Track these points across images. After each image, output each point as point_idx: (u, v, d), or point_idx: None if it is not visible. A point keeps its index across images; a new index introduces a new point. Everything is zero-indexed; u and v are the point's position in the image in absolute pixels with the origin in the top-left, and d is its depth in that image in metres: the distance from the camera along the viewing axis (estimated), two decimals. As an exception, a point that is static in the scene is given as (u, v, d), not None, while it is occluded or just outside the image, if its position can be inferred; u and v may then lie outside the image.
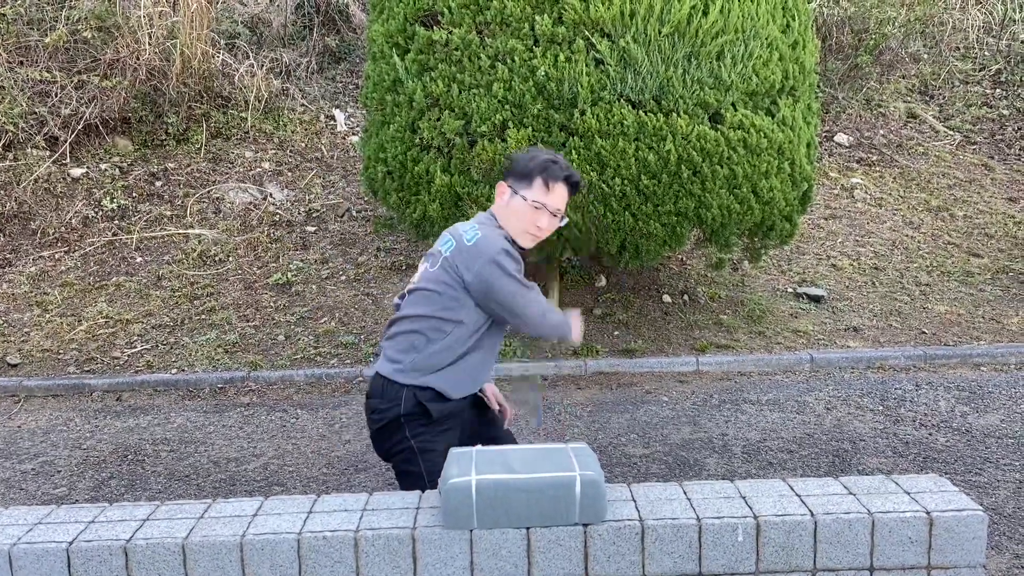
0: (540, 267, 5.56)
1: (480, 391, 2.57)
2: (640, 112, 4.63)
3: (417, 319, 2.38)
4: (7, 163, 6.84)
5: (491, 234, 2.36)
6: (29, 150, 6.97)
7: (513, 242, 2.40)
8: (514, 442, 2.66)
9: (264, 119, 7.89)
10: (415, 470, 2.39)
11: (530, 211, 2.37)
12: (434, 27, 4.81)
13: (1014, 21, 9.34)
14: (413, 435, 2.38)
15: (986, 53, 9.27)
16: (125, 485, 3.95)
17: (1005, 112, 8.77)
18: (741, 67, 4.71)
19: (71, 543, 1.81)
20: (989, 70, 9.17)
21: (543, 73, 4.58)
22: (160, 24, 7.40)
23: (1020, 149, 8.36)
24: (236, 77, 7.85)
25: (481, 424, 2.60)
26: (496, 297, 2.32)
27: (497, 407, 2.65)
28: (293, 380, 5.24)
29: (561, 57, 4.56)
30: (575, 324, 2.52)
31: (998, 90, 9.03)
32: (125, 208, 6.99)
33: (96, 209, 6.95)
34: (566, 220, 2.48)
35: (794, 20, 5.00)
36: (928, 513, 1.82)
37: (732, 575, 1.81)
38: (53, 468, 4.17)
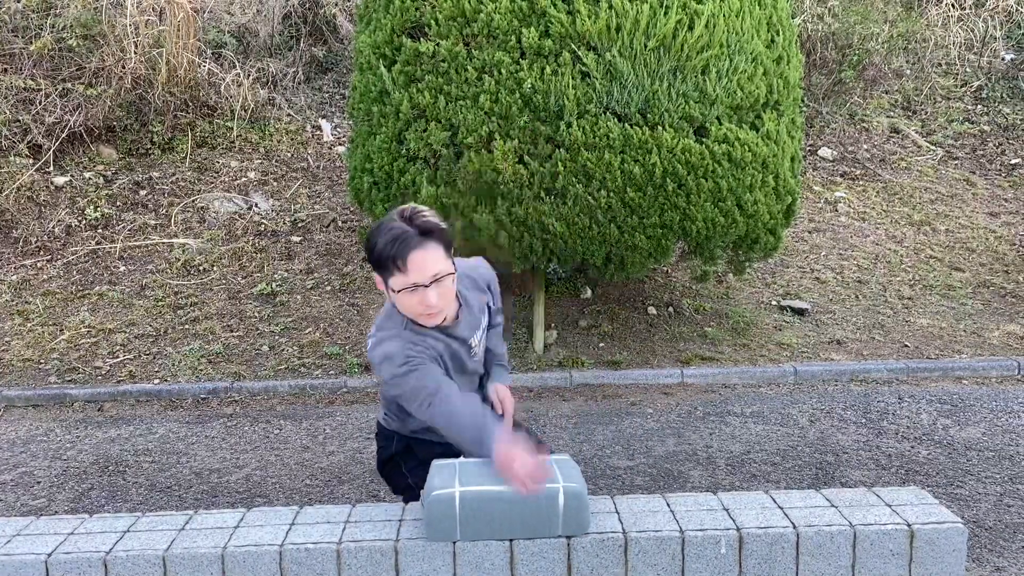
0: (525, 279, 5.57)
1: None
2: (626, 125, 4.66)
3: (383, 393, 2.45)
4: (-10, 171, 6.79)
5: (385, 348, 2.13)
6: (12, 158, 6.92)
7: (421, 327, 2.15)
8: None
9: (250, 129, 7.88)
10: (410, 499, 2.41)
11: (409, 297, 2.05)
12: (421, 39, 4.82)
13: (995, 39, 9.46)
14: (409, 471, 2.41)
15: (967, 70, 9.39)
16: (106, 496, 3.91)
17: (986, 128, 8.87)
18: (726, 81, 4.75)
19: (50, 555, 1.79)
20: (971, 86, 9.28)
21: (529, 85, 4.60)
22: (146, 33, 7.38)
23: (1001, 165, 8.45)
24: (222, 86, 7.83)
25: None
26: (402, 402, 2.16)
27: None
28: (277, 391, 5.21)
29: (547, 70, 4.58)
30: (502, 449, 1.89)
31: (979, 106, 9.14)
32: (109, 217, 6.95)
33: (79, 218, 6.91)
34: (452, 275, 2.10)
35: (779, 35, 5.05)
36: (909, 526, 1.83)
37: (715, 588, 1.82)
38: (33, 479, 4.13)
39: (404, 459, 2.42)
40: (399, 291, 2.05)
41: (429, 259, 2.02)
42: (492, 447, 1.90)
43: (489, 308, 2.40)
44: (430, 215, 2.07)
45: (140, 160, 7.49)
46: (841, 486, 3.78)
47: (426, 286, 2.03)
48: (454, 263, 2.13)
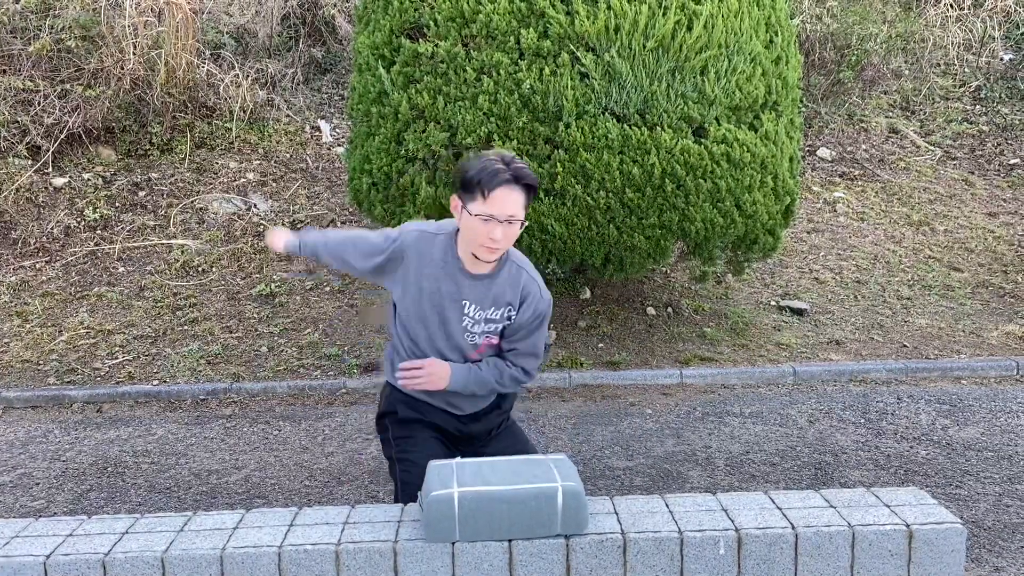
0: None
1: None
2: (624, 126, 4.66)
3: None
4: (-12, 172, 6.79)
5: (416, 228, 2.45)
6: (11, 159, 6.92)
7: (460, 267, 2.37)
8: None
9: (249, 130, 7.88)
10: (394, 477, 2.47)
11: (479, 224, 2.23)
12: (420, 40, 4.82)
13: (993, 39, 9.47)
14: (393, 437, 2.50)
15: (966, 70, 9.39)
16: (105, 498, 3.91)
17: (985, 128, 8.87)
18: (725, 82, 4.75)
19: (49, 556, 1.79)
20: (969, 86, 9.29)
21: (528, 86, 4.60)
22: (145, 34, 7.38)
23: (1000, 165, 8.46)
24: (221, 87, 7.83)
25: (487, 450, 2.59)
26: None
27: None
28: (276, 392, 5.21)
29: (546, 70, 4.59)
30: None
31: (978, 106, 9.15)
32: (108, 218, 6.95)
33: (78, 219, 6.90)
34: (523, 224, 2.31)
35: (777, 36, 5.05)
36: (908, 526, 1.83)
37: (713, 588, 1.82)
38: (32, 480, 4.13)
39: (389, 419, 2.53)
40: (474, 215, 2.23)
41: (511, 200, 2.23)
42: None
43: (509, 316, 2.42)
44: (525, 165, 2.30)
45: (139, 161, 7.49)
46: (840, 486, 3.79)
47: (499, 221, 2.21)
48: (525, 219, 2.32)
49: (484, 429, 2.56)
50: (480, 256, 2.30)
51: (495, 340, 2.43)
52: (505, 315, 2.40)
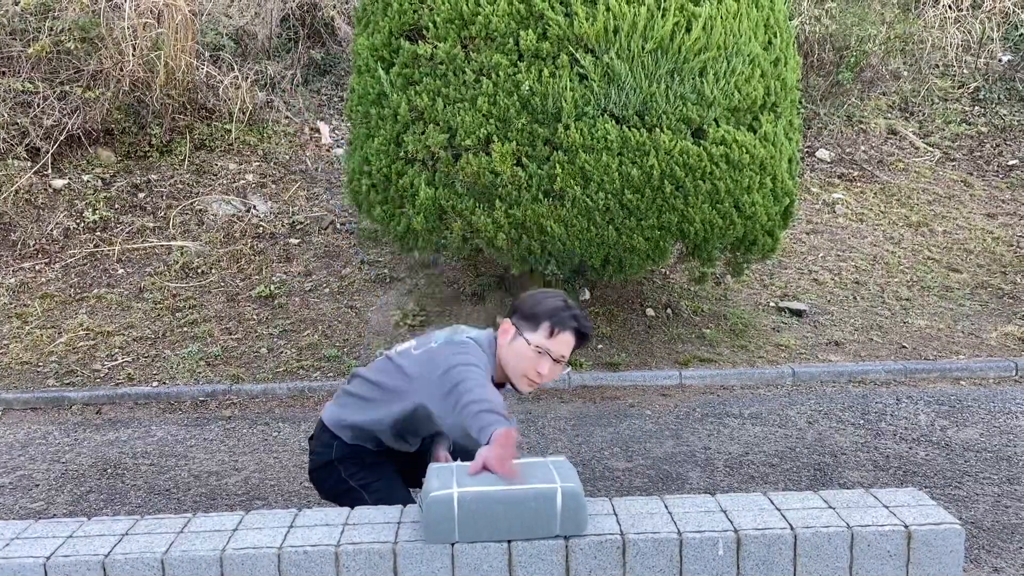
0: (524, 281, 5.57)
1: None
2: (623, 127, 4.67)
3: (372, 388, 2.46)
4: (-12, 174, 6.79)
5: (478, 349, 2.31)
6: (10, 161, 6.92)
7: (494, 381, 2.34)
8: None
9: (248, 131, 7.88)
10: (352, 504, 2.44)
11: (533, 355, 2.30)
12: (419, 41, 4.83)
13: (992, 40, 9.48)
14: (349, 475, 2.49)
15: (964, 71, 9.40)
16: (104, 499, 3.91)
17: (983, 129, 8.88)
18: (723, 83, 4.75)
19: (49, 558, 1.80)
20: (968, 88, 9.30)
21: (527, 88, 4.60)
22: (144, 36, 7.38)
23: (998, 166, 8.47)
24: (220, 89, 7.84)
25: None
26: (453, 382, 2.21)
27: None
28: (275, 393, 5.21)
29: (545, 72, 4.59)
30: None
31: (976, 107, 9.16)
32: (107, 220, 6.95)
33: (78, 220, 6.91)
34: (568, 369, 2.42)
35: (776, 37, 5.06)
36: (906, 527, 1.84)
37: (713, 589, 1.82)
38: (31, 482, 4.13)
39: (345, 465, 2.49)
40: (532, 345, 2.29)
41: (570, 345, 2.33)
42: (491, 433, 1.99)
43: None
44: (587, 319, 2.39)
45: (138, 163, 7.49)
46: (839, 487, 3.79)
47: (554, 360, 2.31)
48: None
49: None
50: (520, 388, 2.35)
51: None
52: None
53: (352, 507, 2.38)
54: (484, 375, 2.23)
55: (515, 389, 2.38)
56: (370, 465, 2.50)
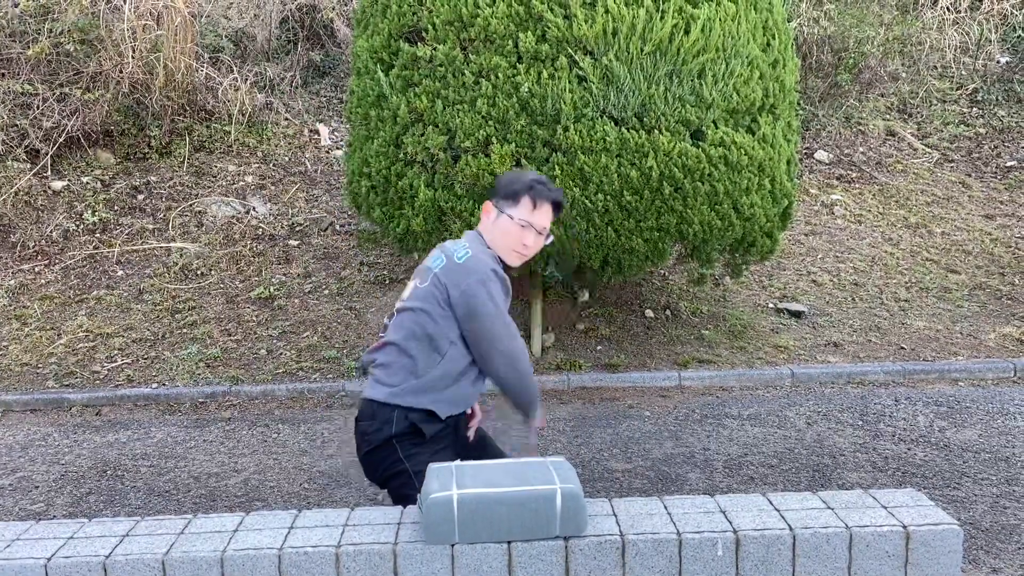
0: (523, 282, 5.58)
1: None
2: (622, 129, 4.67)
3: (410, 342, 2.36)
4: (-13, 175, 6.80)
5: (481, 255, 2.38)
6: (10, 162, 6.92)
7: (501, 261, 2.43)
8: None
9: (248, 133, 7.89)
10: (412, 494, 2.28)
11: (517, 229, 2.41)
12: (418, 43, 4.84)
13: (990, 41, 9.50)
14: (407, 456, 2.34)
15: (963, 72, 9.42)
16: (104, 501, 3.91)
17: (982, 131, 8.90)
18: (722, 85, 4.76)
19: (49, 559, 1.80)
20: (966, 89, 9.31)
21: (526, 90, 4.61)
22: (143, 37, 7.39)
23: (996, 167, 8.48)
24: (220, 91, 7.84)
25: (473, 445, 2.59)
26: (476, 319, 2.30)
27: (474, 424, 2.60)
28: (275, 395, 5.21)
29: (544, 74, 4.60)
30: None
31: (975, 109, 9.17)
32: (106, 221, 6.96)
33: (77, 222, 6.91)
34: (551, 238, 2.51)
35: (774, 39, 5.07)
36: (905, 527, 1.84)
37: (712, 589, 1.82)
38: (31, 483, 4.13)
39: (402, 443, 2.35)
40: (516, 220, 2.39)
41: (549, 216, 2.45)
42: (537, 407, 2.37)
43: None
44: (563, 193, 2.52)
45: (138, 164, 7.50)
46: (838, 488, 3.80)
47: (538, 232, 2.42)
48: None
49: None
50: (510, 262, 2.45)
51: None
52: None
53: (396, 496, 2.37)
54: (503, 305, 2.35)
55: (504, 265, 2.44)
56: (429, 450, 2.35)
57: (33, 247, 6.69)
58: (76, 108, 7.21)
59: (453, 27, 4.72)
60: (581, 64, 4.60)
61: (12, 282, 6.41)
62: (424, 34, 4.82)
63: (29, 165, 7.05)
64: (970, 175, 8.37)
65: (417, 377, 2.35)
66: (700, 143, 4.76)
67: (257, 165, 7.65)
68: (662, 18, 4.61)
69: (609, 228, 4.81)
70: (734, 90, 4.81)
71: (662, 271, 6.46)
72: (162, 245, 6.78)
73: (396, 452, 2.35)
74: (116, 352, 5.68)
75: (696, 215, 4.84)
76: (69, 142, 7.29)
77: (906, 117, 9.12)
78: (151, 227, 6.95)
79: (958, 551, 1.85)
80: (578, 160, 4.65)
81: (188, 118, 7.72)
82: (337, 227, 7.04)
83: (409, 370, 2.37)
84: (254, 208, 7.21)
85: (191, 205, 7.15)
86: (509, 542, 1.81)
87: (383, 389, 2.39)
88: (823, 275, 6.73)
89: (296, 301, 6.19)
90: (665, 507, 1.96)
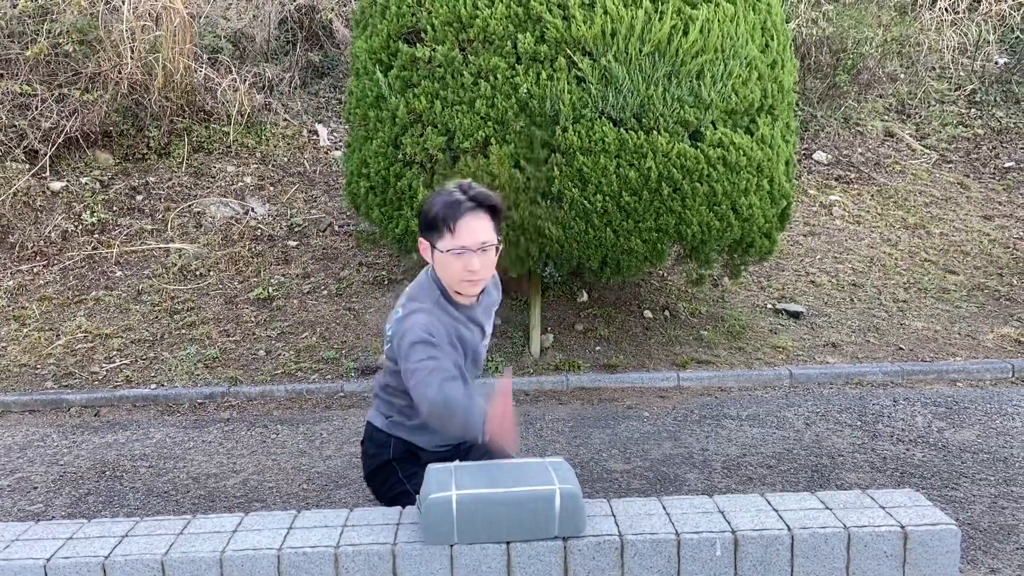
0: (522, 282, 5.58)
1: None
2: (621, 129, 4.68)
3: (393, 383, 2.37)
4: (-14, 176, 6.80)
5: (417, 313, 2.20)
6: (8, 163, 6.92)
7: (451, 301, 2.26)
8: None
9: (246, 134, 7.89)
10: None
11: (452, 260, 2.17)
12: (417, 44, 4.84)
13: (988, 42, 9.51)
14: (406, 476, 2.37)
15: (961, 73, 9.43)
16: (103, 501, 3.91)
17: (980, 131, 8.91)
18: (721, 86, 4.77)
19: (48, 560, 1.80)
20: (964, 90, 9.32)
21: (525, 90, 4.61)
22: (142, 38, 7.38)
23: (995, 168, 8.49)
24: (218, 91, 7.84)
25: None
26: (406, 378, 2.17)
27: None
28: (273, 395, 5.21)
29: (543, 75, 4.60)
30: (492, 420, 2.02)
31: (973, 110, 9.18)
32: (105, 222, 6.96)
33: (76, 223, 6.91)
34: (499, 245, 2.25)
35: (773, 40, 5.07)
36: (903, 528, 1.85)
37: (710, 589, 1.83)
38: (30, 484, 4.13)
39: (402, 464, 2.39)
40: (446, 252, 2.17)
41: (479, 227, 2.17)
42: (482, 426, 2.01)
43: (499, 301, 2.50)
44: (486, 189, 2.23)
45: (136, 165, 7.49)
46: (836, 488, 3.80)
47: (473, 251, 2.16)
48: (500, 239, 2.24)
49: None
50: (463, 292, 2.24)
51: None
52: (493, 310, 2.47)
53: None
54: (435, 351, 2.13)
55: (463, 295, 2.25)
56: (426, 466, 2.32)
57: (32, 248, 6.69)
58: (75, 109, 7.21)
59: (452, 28, 4.73)
60: (580, 65, 4.60)
61: (10, 283, 6.41)
62: (423, 35, 4.83)
63: (28, 166, 7.05)
64: (968, 176, 8.38)
65: (406, 416, 2.38)
66: (699, 144, 4.77)
67: (256, 166, 7.65)
68: (661, 19, 4.62)
69: (608, 229, 4.82)
70: (732, 91, 4.81)
71: (661, 272, 6.46)
72: (161, 246, 6.78)
73: (396, 474, 2.40)
74: (115, 353, 5.68)
75: (695, 216, 4.85)
76: (68, 143, 7.29)
77: (904, 118, 9.13)
78: (150, 228, 6.95)
79: (956, 551, 1.85)
80: (577, 161, 4.65)
81: (187, 119, 7.72)
82: (336, 228, 7.04)
83: (398, 409, 2.40)
84: (253, 209, 7.21)
85: (190, 206, 7.15)
86: (508, 542, 1.81)
87: (380, 418, 2.45)
88: (821, 276, 6.74)
89: (295, 302, 6.19)
90: (664, 507, 1.97)
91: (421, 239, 2.26)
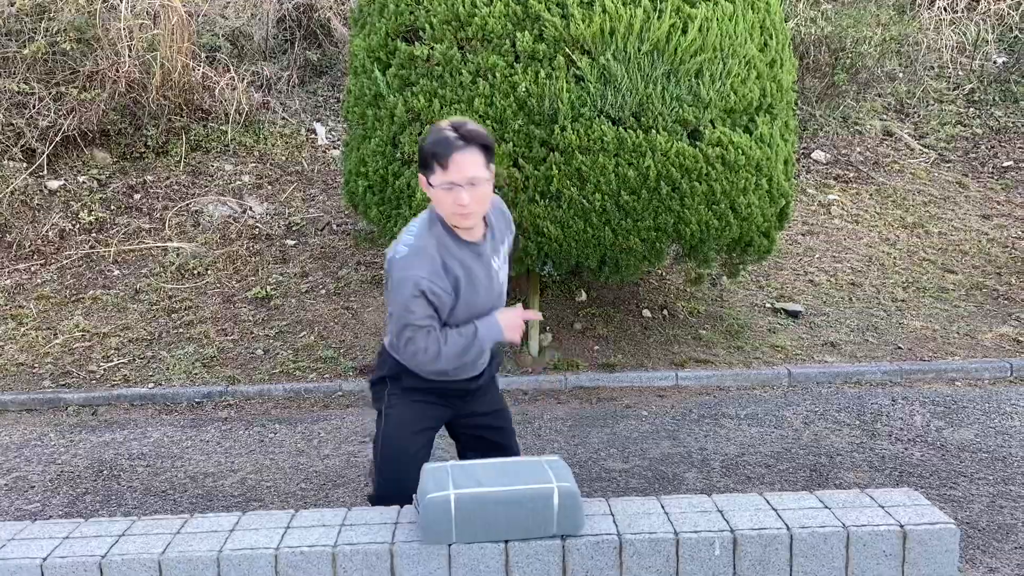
0: (520, 281, 5.58)
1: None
2: (620, 128, 4.67)
3: (391, 312, 2.57)
4: (-17, 175, 6.78)
5: (414, 256, 2.36)
6: (6, 162, 6.91)
7: (455, 237, 2.41)
8: (517, 454, 2.73)
9: (244, 132, 7.88)
10: (377, 432, 2.62)
11: (444, 195, 2.32)
12: (416, 42, 4.83)
13: (987, 42, 9.51)
14: (389, 395, 2.57)
15: (960, 73, 9.43)
16: (100, 501, 3.91)
17: (978, 131, 8.91)
18: (719, 85, 4.76)
19: (45, 559, 1.79)
20: (963, 89, 9.32)
21: (524, 89, 4.61)
22: (140, 37, 7.37)
23: (993, 167, 8.49)
24: (216, 90, 7.83)
25: (487, 429, 2.71)
26: (391, 319, 2.44)
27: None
28: (271, 395, 5.21)
29: (542, 73, 4.60)
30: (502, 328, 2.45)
31: (972, 109, 9.18)
32: (103, 221, 6.94)
33: (73, 222, 6.90)
34: (490, 180, 2.37)
35: (772, 39, 5.07)
36: (902, 527, 1.84)
37: (709, 589, 1.82)
38: (27, 483, 4.12)
39: (392, 382, 2.59)
40: (437, 187, 2.32)
41: (468, 162, 2.30)
42: (493, 334, 2.40)
43: (511, 236, 2.62)
44: (477, 127, 2.36)
45: (134, 164, 7.48)
46: (835, 488, 3.80)
47: (462, 186, 2.28)
48: (492, 174, 2.37)
49: (478, 386, 2.66)
50: (458, 224, 2.38)
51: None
52: (510, 244, 2.61)
53: (376, 433, 2.60)
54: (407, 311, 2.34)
55: (459, 228, 2.40)
56: (407, 396, 2.56)
57: (29, 247, 6.68)
58: (72, 107, 7.19)
59: (450, 26, 4.72)
60: (578, 64, 4.60)
61: (8, 282, 6.40)
62: (421, 33, 4.82)
63: (25, 164, 7.04)
64: (967, 175, 8.38)
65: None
66: (697, 143, 4.76)
67: (254, 164, 7.64)
68: (659, 18, 4.61)
69: (606, 228, 4.81)
70: (731, 90, 4.81)
71: (659, 271, 6.46)
72: (158, 245, 6.77)
73: (385, 390, 2.60)
74: (112, 352, 5.67)
75: (693, 215, 4.84)
76: (65, 141, 7.27)
77: (903, 117, 9.13)
78: (147, 227, 6.94)
79: (955, 550, 1.85)
80: (575, 160, 4.65)
81: (185, 117, 7.71)
82: (334, 227, 7.03)
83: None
84: (251, 208, 7.20)
85: (187, 205, 7.14)
86: (506, 541, 1.81)
87: (386, 338, 2.64)
88: (820, 275, 6.74)
89: (293, 301, 6.18)
90: (662, 507, 1.96)
91: (420, 176, 2.41)
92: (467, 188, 2.29)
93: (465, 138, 2.30)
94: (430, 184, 2.35)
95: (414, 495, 1.96)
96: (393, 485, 2.41)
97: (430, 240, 2.39)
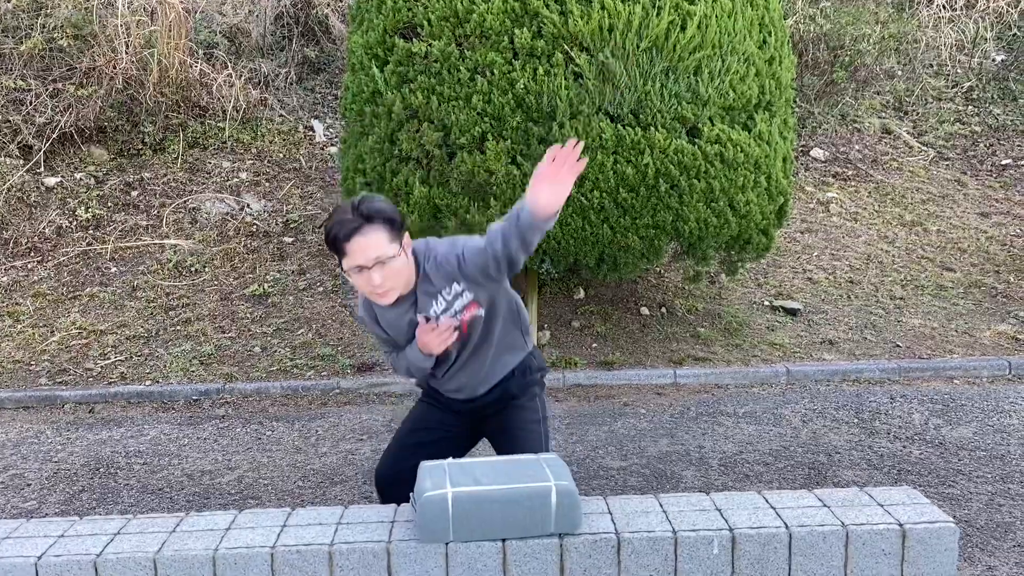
0: (519, 279, 5.57)
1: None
2: (618, 126, 4.66)
3: None
4: (-20, 172, 6.76)
5: (361, 303, 2.58)
6: (2, 159, 6.89)
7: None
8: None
9: (242, 129, 7.86)
10: None
11: (357, 277, 2.27)
12: (414, 39, 4.82)
13: (985, 40, 9.50)
14: (417, 401, 2.78)
15: (958, 71, 9.42)
16: (96, 499, 3.89)
17: (977, 129, 8.90)
18: (718, 82, 4.75)
19: (40, 557, 1.78)
20: (962, 87, 9.32)
21: (522, 86, 4.60)
22: (137, 33, 7.35)
23: (992, 165, 8.49)
24: (214, 87, 7.81)
25: (498, 448, 2.68)
26: None
27: None
28: (269, 392, 5.20)
29: (540, 70, 4.58)
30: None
31: (970, 107, 9.18)
32: (100, 218, 6.93)
33: (70, 219, 6.88)
34: (400, 253, 2.27)
35: (771, 36, 5.06)
36: (901, 525, 1.83)
37: (707, 588, 1.82)
38: (23, 481, 4.11)
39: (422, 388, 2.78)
40: (347, 270, 2.26)
41: (371, 243, 2.21)
42: (414, 351, 2.45)
43: (463, 279, 2.36)
44: (378, 202, 2.26)
45: (131, 161, 7.47)
46: (833, 486, 3.79)
47: (369, 268, 2.22)
48: (402, 246, 2.28)
49: (489, 402, 2.62)
50: (379, 302, 2.37)
51: (474, 305, 2.39)
52: (458, 287, 2.36)
53: None
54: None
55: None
56: (423, 398, 2.73)
57: (26, 244, 6.66)
58: (69, 104, 7.18)
59: (448, 23, 4.70)
60: (577, 60, 4.58)
61: (5, 279, 6.38)
62: (419, 30, 4.80)
63: (22, 161, 7.02)
64: (965, 173, 8.37)
65: None
66: (696, 140, 4.76)
67: (251, 162, 7.62)
68: (658, 14, 4.60)
69: (605, 225, 4.80)
70: (730, 87, 4.80)
71: (658, 269, 6.45)
72: (156, 242, 6.76)
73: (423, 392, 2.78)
74: (109, 349, 5.65)
75: (692, 212, 4.84)
76: (62, 138, 7.26)
77: (902, 115, 9.12)
78: (145, 224, 6.92)
79: (954, 549, 1.85)
80: (574, 157, 4.63)
81: (182, 114, 7.69)
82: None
83: None
84: (248, 205, 7.18)
85: (185, 202, 7.13)
86: (504, 540, 1.80)
87: None
88: (819, 273, 6.73)
89: (290, 298, 6.17)
90: (661, 505, 1.95)
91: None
92: (376, 268, 2.22)
93: (364, 216, 2.20)
94: (341, 268, 2.30)
95: (411, 493, 1.95)
96: (384, 463, 2.60)
97: (363, 296, 2.46)
